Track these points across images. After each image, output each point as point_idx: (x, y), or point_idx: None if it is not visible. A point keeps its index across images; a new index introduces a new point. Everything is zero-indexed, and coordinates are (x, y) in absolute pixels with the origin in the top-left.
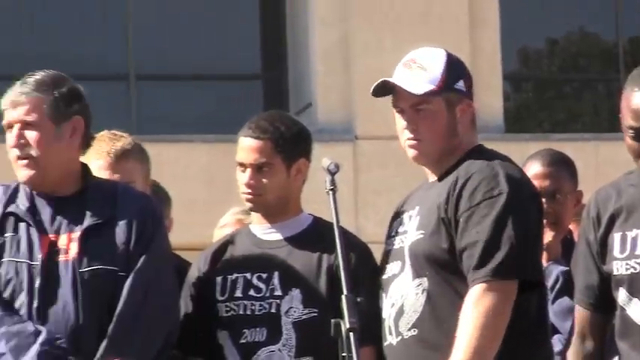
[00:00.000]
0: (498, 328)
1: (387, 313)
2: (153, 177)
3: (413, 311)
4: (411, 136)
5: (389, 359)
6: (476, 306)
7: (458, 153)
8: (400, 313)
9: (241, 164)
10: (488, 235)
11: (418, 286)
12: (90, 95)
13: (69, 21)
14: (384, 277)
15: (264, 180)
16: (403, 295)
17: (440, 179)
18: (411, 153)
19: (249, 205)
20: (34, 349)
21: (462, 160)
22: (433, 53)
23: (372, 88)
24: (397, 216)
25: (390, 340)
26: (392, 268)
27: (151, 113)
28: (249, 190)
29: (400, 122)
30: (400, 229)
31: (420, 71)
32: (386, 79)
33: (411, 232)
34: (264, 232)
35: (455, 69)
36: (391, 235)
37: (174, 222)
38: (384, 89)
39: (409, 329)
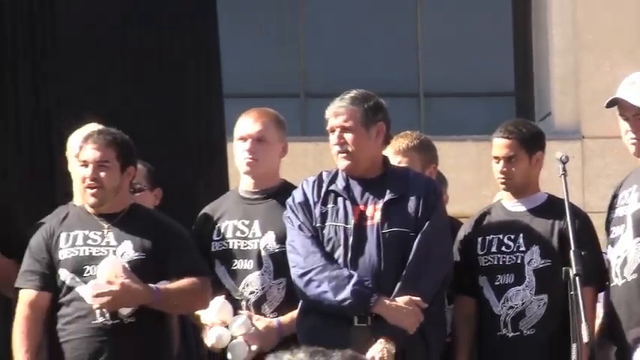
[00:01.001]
0: None
1: (614, 262)
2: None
3: (634, 261)
4: (633, 136)
5: (615, 296)
6: None
7: None
8: (624, 262)
9: (496, 157)
10: None
11: (638, 242)
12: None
13: (366, 48)
14: (611, 236)
15: (512, 169)
16: (626, 250)
17: None
18: (632, 149)
19: (502, 186)
20: (349, 288)
21: None
22: None
23: (606, 102)
24: (618, 193)
25: (616, 282)
26: (616, 231)
27: (436, 120)
28: (502, 176)
29: (624, 126)
30: (621, 202)
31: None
32: (617, 96)
33: (632, 204)
34: (512, 205)
35: None
36: (614, 206)
37: (449, 198)
38: (611, 102)
39: (631, 274)
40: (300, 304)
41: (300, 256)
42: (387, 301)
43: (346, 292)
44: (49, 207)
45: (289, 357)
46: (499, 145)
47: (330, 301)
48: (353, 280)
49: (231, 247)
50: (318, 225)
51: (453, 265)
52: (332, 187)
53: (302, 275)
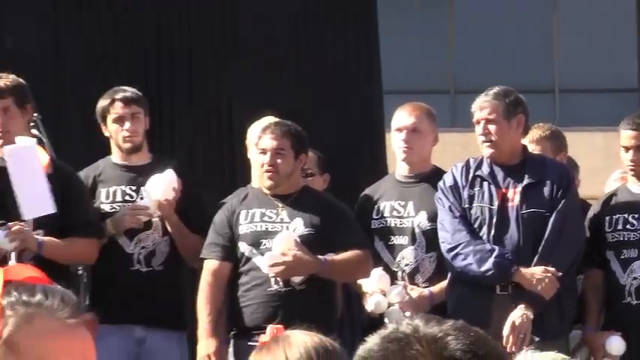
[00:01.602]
0: None
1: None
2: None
3: None
4: None
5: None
6: None
7: None
8: None
9: (624, 147)
10: None
11: None
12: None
13: (508, 50)
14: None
15: None
16: None
17: None
18: None
19: (631, 172)
20: (491, 260)
21: None
22: None
23: None
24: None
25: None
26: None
27: (568, 113)
28: (632, 164)
29: None
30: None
31: None
32: None
33: None
34: (637, 188)
35: None
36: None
37: (580, 182)
38: None
39: None
40: (449, 275)
41: (448, 233)
42: (526, 271)
43: (489, 264)
44: (230, 188)
45: (407, 322)
46: (627, 136)
47: (474, 272)
48: (495, 253)
49: (388, 224)
50: (466, 206)
51: (584, 240)
52: (478, 173)
53: (450, 250)
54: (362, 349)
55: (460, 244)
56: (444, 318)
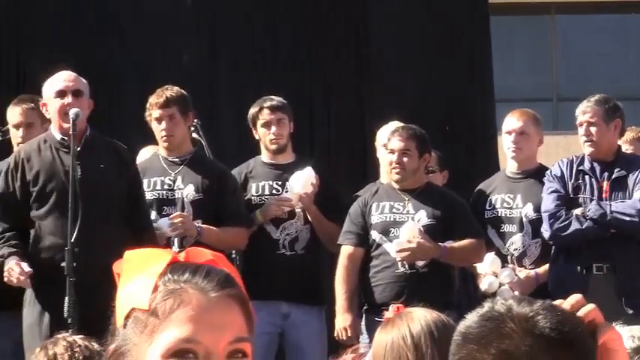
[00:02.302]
0: None
1: None
2: None
3: None
4: None
5: None
6: None
7: None
8: None
9: None
10: None
11: None
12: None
13: (605, 61)
14: None
15: None
16: None
17: None
18: None
19: None
20: (591, 215)
21: None
22: None
23: None
24: None
25: None
26: None
27: None
28: None
29: None
30: None
31: None
32: None
33: None
34: None
35: None
36: None
37: None
38: None
39: None
40: (550, 257)
41: (551, 204)
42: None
43: (588, 222)
44: (362, 184)
45: (501, 302)
46: None
47: (575, 230)
48: (592, 208)
49: (499, 214)
50: (571, 197)
51: None
52: (580, 167)
53: (551, 216)
54: (462, 326)
55: (560, 210)
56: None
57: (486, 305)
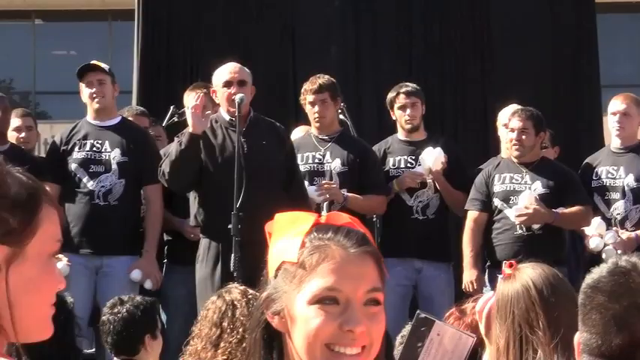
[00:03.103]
0: None
1: None
2: None
3: None
4: None
5: None
6: None
7: None
8: None
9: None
10: None
11: None
12: None
13: None
14: None
15: None
16: None
17: None
18: None
19: None
20: None
21: None
22: None
23: None
24: None
25: None
26: None
27: None
28: None
29: None
30: None
31: None
32: None
33: None
34: None
35: None
36: None
37: None
38: None
39: None
40: None
41: None
42: None
43: None
44: (484, 158)
45: (626, 259)
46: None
47: None
48: None
49: (604, 184)
50: None
51: None
52: None
53: None
54: (590, 279)
55: None
56: None
57: (610, 262)
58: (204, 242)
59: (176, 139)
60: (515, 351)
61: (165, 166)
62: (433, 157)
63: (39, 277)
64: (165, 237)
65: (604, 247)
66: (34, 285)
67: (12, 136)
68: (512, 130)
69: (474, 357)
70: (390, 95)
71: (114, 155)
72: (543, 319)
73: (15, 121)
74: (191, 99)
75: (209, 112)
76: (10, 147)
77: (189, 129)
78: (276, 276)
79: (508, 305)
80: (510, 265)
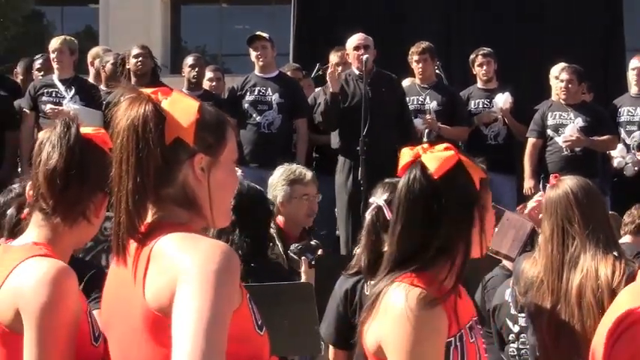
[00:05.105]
0: None
1: None
2: None
3: None
4: None
5: None
6: None
7: None
8: None
9: None
10: None
11: None
12: None
13: None
14: None
15: None
16: None
17: None
18: None
19: None
20: None
21: None
22: None
23: None
24: None
25: None
26: None
27: None
28: None
29: None
30: None
31: None
32: None
33: None
34: None
35: None
36: None
37: None
38: None
39: None
40: None
41: None
42: None
43: None
44: (540, 100)
45: None
46: None
47: None
48: None
49: (626, 119)
50: None
51: None
52: None
53: None
54: None
55: None
56: None
57: None
58: (340, 159)
59: (322, 90)
60: (558, 239)
61: (317, 116)
62: (503, 100)
63: (227, 177)
64: (314, 154)
65: (625, 165)
66: (224, 183)
67: (206, 84)
68: (562, 81)
69: (531, 238)
70: (472, 56)
71: (274, 97)
72: (579, 216)
73: (208, 74)
74: (333, 58)
75: (341, 71)
76: (204, 92)
77: (330, 89)
78: None
79: (553, 205)
80: (555, 177)
